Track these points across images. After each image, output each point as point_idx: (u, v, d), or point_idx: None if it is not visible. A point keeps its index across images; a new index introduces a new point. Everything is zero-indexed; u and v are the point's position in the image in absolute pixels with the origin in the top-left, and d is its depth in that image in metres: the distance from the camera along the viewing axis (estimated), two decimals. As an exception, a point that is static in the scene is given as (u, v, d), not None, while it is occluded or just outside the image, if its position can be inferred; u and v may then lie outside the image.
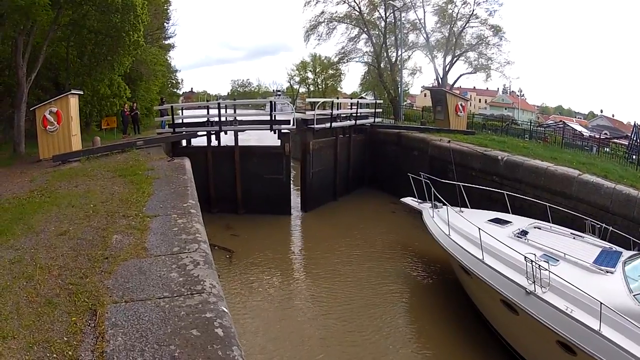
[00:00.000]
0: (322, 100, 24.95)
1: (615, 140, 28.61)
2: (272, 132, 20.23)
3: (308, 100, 44.15)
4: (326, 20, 41.58)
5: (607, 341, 7.04)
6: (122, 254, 6.92)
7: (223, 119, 20.41)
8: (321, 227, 19.49)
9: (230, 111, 22.01)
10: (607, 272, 8.66)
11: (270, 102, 21.48)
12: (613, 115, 64.54)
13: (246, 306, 12.07)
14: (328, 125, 21.61)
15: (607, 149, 23.58)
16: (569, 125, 35.28)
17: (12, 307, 5.39)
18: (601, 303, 7.18)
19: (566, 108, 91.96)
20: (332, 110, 22.39)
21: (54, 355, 4.50)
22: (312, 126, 20.58)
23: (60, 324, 5.06)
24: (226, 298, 11.60)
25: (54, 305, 5.44)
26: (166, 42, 49.24)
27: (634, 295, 7.67)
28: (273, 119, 20.12)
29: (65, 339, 4.77)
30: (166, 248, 7.17)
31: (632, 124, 26.31)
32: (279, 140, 20.17)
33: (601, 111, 69.68)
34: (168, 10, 45.39)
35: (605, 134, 35.43)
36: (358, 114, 24.42)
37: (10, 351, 4.52)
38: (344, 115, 24.61)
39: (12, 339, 4.72)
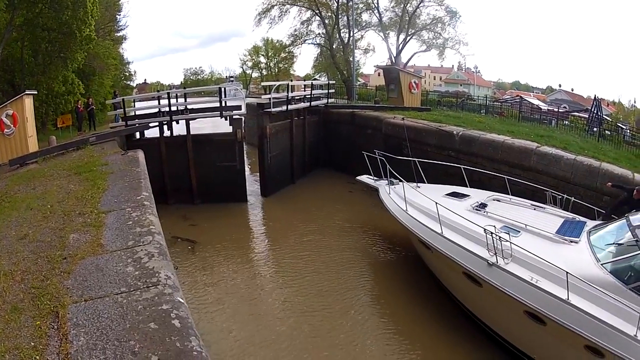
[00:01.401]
0: (277, 83, 24.92)
1: (575, 114, 29.41)
2: (224, 118, 20.15)
3: (263, 84, 43.94)
4: (279, 4, 41.37)
5: (577, 310, 7.11)
6: (79, 253, 7.06)
7: (174, 108, 20.08)
8: (281, 211, 19.69)
9: (181, 100, 21.74)
10: (572, 242, 8.81)
11: (219, 88, 21.18)
12: (572, 90, 65.41)
13: (210, 294, 12.18)
14: (284, 108, 21.61)
15: (567, 122, 24.32)
16: (526, 100, 36.12)
17: (-19, 317, 5.51)
18: (567, 272, 7.24)
19: (523, 83, 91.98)
20: (287, 92, 22.34)
21: (23, 361, 4.67)
22: (269, 110, 20.54)
23: (27, 329, 5.17)
24: (190, 288, 12.08)
25: (20, 311, 5.54)
26: (118, 35, 48.05)
27: (601, 264, 7.76)
28: (223, 105, 20.04)
29: (32, 344, 4.89)
30: (121, 243, 7.33)
31: (592, 97, 26.96)
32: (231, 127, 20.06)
33: (560, 85, 70.10)
34: (119, 2, 44.32)
35: (565, 107, 36.18)
36: (312, 96, 24.54)
37: (-16, 362, 4.69)
38: (298, 97, 24.66)
39: (-16, 350, 4.88)
